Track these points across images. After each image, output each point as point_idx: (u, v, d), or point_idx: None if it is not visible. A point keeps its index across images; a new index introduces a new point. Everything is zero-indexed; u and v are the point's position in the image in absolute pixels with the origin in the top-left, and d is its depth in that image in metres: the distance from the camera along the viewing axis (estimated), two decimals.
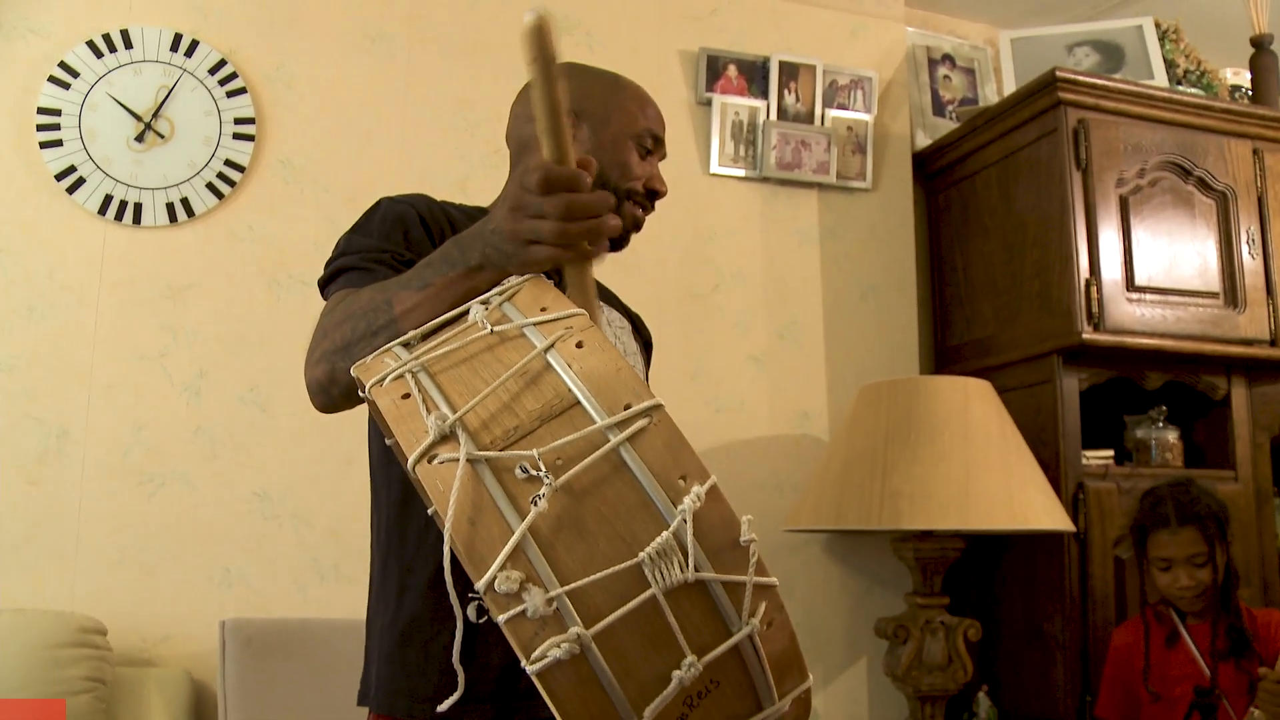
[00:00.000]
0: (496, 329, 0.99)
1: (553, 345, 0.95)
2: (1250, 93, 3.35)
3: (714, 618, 0.86)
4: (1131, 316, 2.84)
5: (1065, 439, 2.83)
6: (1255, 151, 3.12)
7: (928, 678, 2.69)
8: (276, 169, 2.71)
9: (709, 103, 3.10)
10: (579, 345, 0.96)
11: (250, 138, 2.70)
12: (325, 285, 1.36)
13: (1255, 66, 3.34)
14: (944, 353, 3.29)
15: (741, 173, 3.12)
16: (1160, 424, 3.01)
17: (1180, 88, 3.21)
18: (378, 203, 1.43)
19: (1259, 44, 3.34)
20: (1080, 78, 2.92)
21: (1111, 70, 3.29)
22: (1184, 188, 3.00)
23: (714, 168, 3.09)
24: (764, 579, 0.89)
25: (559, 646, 0.81)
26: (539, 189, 1.02)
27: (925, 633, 2.70)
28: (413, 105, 2.84)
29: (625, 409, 0.89)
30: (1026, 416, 2.89)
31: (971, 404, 2.65)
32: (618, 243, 1.61)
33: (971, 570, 3.15)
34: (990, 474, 2.54)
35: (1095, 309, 2.80)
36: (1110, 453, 2.94)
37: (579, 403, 0.91)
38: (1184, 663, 2.48)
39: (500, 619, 0.81)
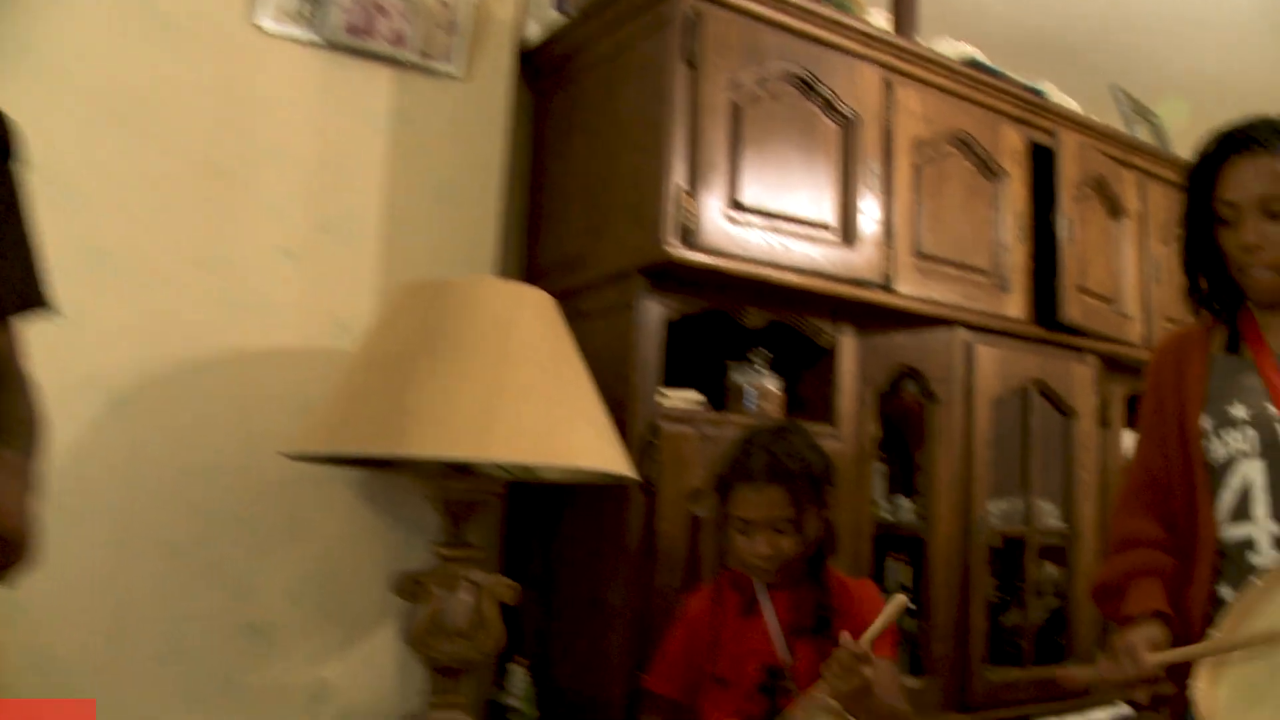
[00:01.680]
0: None
1: None
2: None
3: None
4: (731, 239, 2.45)
5: (640, 371, 2.40)
6: (887, 83, 2.80)
7: (447, 645, 2.19)
8: None
9: None
10: None
11: None
12: None
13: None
14: (533, 271, 2.83)
15: (298, 32, 2.55)
16: (760, 369, 2.64)
17: None
18: None
19: None
20: None
21: None
22: (806, 105, 2.64)
23: (262, 20, 2.50)
24: None
25: None
26: None
27: (448, 591, 2.20)
28: None
29: None
30: (606, 346, 2.46)
31: (521, 316, 2.18)
32: None
33: (535, 528, 2.70)
34: (530, 399, 2.07)
35: (689, 224, 2.39)
36: (698, 396, 2.54)
37: None
38: (758, 637, 2.09)
39: None
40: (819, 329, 2.69)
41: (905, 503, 2.94)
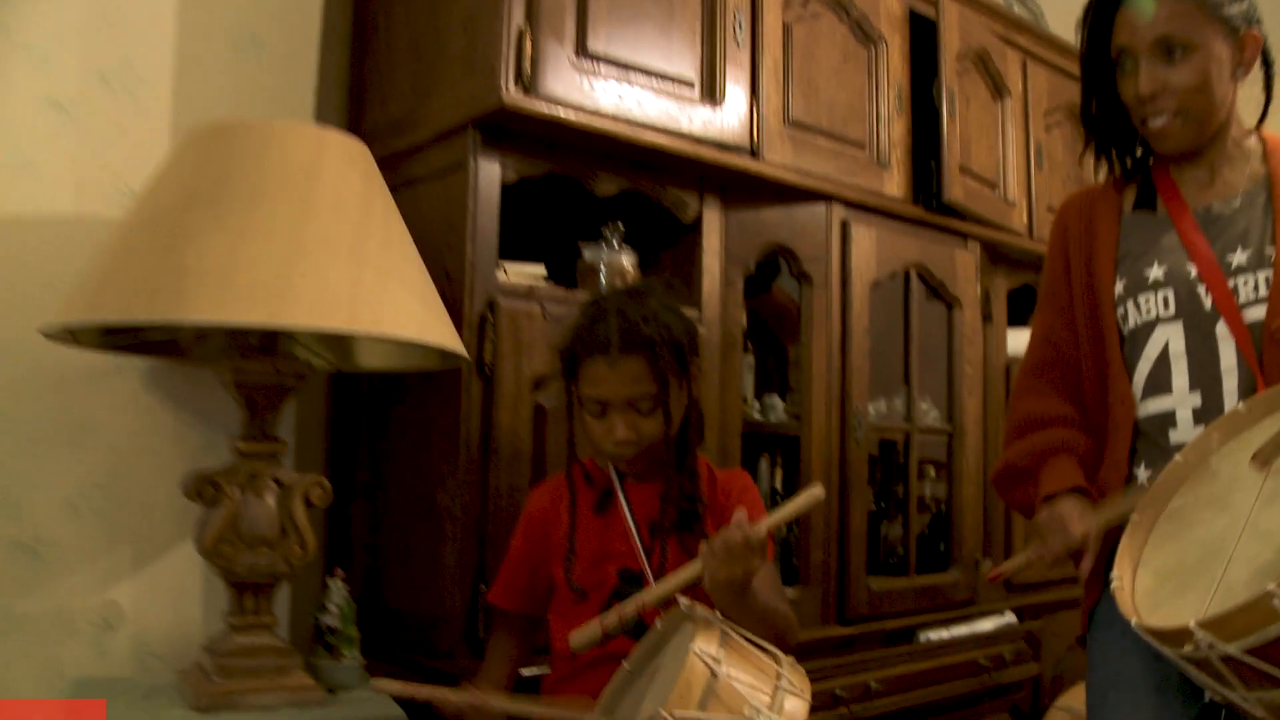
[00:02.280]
0: None
1: None
2: None
3: None
4: (577, 89, 2.14)
5: (475, 241, 2.09)
6: None
7: (247, 555, 1.87)
8: None
9: None
10: None
11: None
12: None
13: None
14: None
15: None
16: (614, 244, 2.34)
17: None
18: None
19: None
20: None
21: None
22: None
23: None
24: None
25: None
26: None
27: (247, 492, 1.88)
28: None
29: None
30: (436, 214, 2.15)
31: (328, 163, 1.84)
32: None
33: (362, 427, 2.38)
34: (338, 259, 1.74)
35: (529, 69, 2.07)
36: (543, 271, 2.24)
37: None
38: (616, 538, 1.81)
39: None
40: (681, 201, 2.40)
41: (777, 401, 2.69)
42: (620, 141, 2.20)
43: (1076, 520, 1.50)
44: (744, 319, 2.51)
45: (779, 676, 1.38)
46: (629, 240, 2.36)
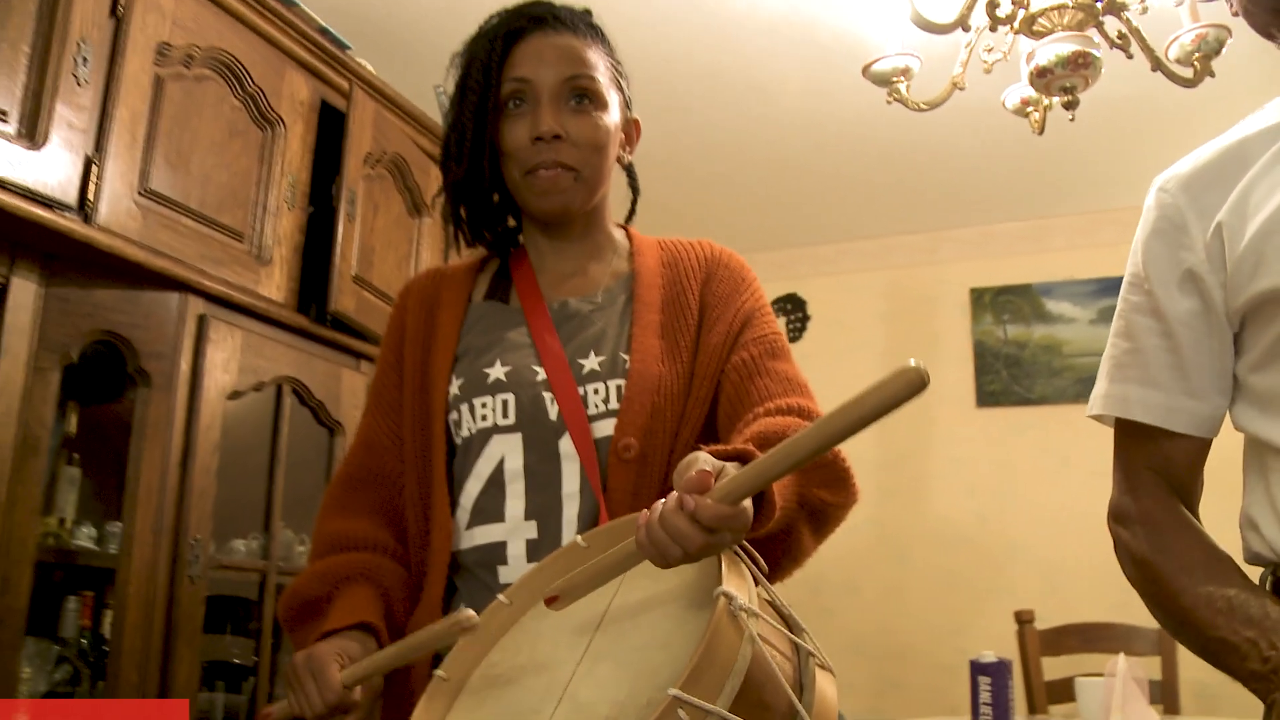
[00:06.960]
0: None
1: None
2: None
3: None
4: None
5: None
6: None
7: None
8: None
9: None
10: None
11: None
12: None
13: None
14: None
15: None
16: None
17: None
18: None
19: None
20: None
21: None
22: None
23: None
24: None
25: None
26: None
27: None
28: None
29: None
30: None
31: None
32: None
33: None
34: None
35: None
36: None
37: None
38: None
39: None
40: None
41: (116, 528, 2.16)
42: None
43: (338, 669, 1.15)
44: (56, 419, 2.00)
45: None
46: None
